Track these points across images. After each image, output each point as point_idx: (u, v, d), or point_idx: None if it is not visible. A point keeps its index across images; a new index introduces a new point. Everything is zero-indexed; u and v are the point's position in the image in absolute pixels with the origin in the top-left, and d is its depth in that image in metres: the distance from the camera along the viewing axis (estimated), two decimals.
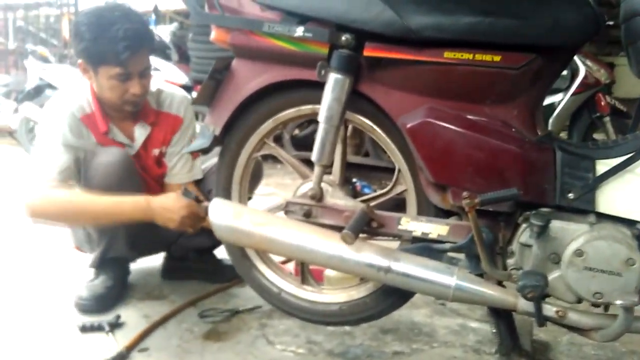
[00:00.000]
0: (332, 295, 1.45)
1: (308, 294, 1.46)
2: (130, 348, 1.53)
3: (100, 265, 1.83)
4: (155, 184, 1.88)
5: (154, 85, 1.82)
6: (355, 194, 1.48)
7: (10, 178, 4.08)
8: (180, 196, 1.60)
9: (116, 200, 1.61)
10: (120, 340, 1.57)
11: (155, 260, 2.14)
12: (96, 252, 1.81)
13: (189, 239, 1.95)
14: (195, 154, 1.83)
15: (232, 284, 1.97)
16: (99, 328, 1.64)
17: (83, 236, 1.85)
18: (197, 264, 2.04)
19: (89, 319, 1.68)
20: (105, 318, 1.67)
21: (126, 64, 1.63)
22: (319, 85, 1.27)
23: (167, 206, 1.60)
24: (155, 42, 1.71)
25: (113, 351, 1.49)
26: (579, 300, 1.16)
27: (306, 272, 1.49)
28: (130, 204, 1.62)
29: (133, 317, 1.74)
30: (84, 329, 1.63)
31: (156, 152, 1.86)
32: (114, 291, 1.83)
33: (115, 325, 1.66)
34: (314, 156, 1.31)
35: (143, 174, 1.83)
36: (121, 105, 1.72)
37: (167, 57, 5.07)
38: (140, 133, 1.82)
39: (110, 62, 1.62)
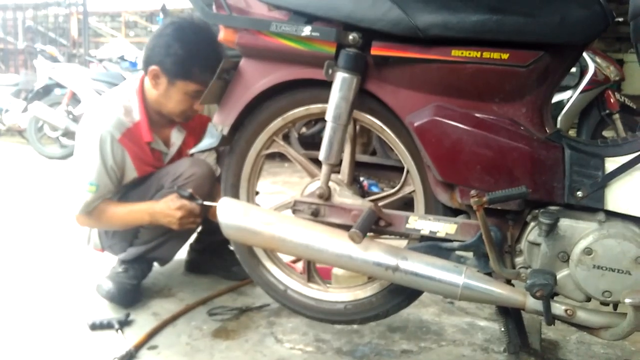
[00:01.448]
0: (338, 294, 1.46)
1: (314, 292, 1.47)
2: (139, 346, 1.54)
3: (132, 260, 1.86)
4: None
5: None
6: (362, 192, 1.49)
7: (20, 176, 4.11)
8: (175, 198, 1.71)
9: (130, 210, 1.76)
10: (129, 338, 1.59)
11: None
12: (140, 248, 1.83)
13: (207, 232, 2.04)
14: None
15: (243, 283, 1.98)
16: (108, 326, 1.65)
17: (119, 234, 1.87)
18: (215, 259, 2.09)
19: (99, 317, 1.69)
20: (115, 316, 1.69)
21: (205, 85, 1.68)
22: (328, 85, 1.27)
23: (166, 211, 1.71)
24: None
25: (122, 349, 1.50)
26: (588, 299, 1.16)
27: (312, 270, 1.49)
28: (139, 213, 1.75)
29: (142, 315, 1.76)
30: (94, 326, 1.65)
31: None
32: (138, 288, 1.86)
33: (125, 323, 1.67)
34: (321, 155, 1.31)
35: None
36: (178, 116, 1.78)
37: None
38: (176, 137, 1.87)
39: (193, 79, 1.67)
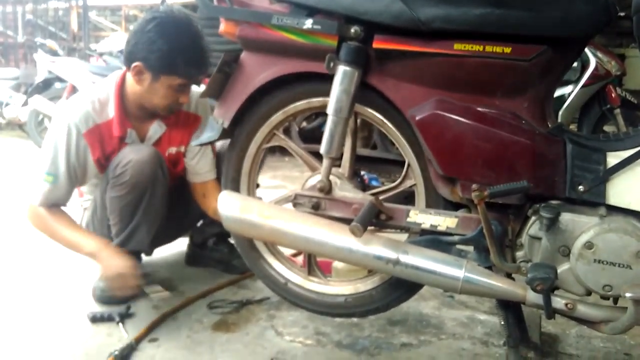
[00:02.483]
0: (338, 287, 1.46)
1: (314, 285, 1.47)
2: (140, 338, 1.54)
3: None
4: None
5: None
6: (363, 186, 1.49)
7: (20, 170, 4.11)
8: (127, 261, 1.67)
9: (79, 236, 1.73)
10: (130, 331, 1.59)
11: (164, 253, 2.16)
12: (114, 243, 1.80)
13: (207, 225, 2.05)
14: (214, 151, 1.91)
15: (243, 276, 1.98)
16: (109, 318, 1.65)
17: (98, 231, 1.85)
18: (214, 253, 2.09)
19: (99, 310, 1.70)
20: (116, 309, 1.69)
21: (191, 78, 1.69)
22: (329, 78, 1.27)
23: (113, 260, 1.67)
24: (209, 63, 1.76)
25: (123, 341, 1.51)
26: (588, 293, 1.16)
27: (313, 264, 1.49)
28: (85, 244, 1.71)
29: (143, 308, 1.76)
30: (94, 319, 1.65)
31: (173, 150, 1.88)
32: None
33: (126, 316, 1.68)
34: (322, 148, 1.31)
35: None
36: (162, 110, 1.76)
37: None
38: (154, 131, 1.83)
39: (178, 74, 1.66)
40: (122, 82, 1.77)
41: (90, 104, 1.73)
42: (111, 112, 1.75)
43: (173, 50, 1.64)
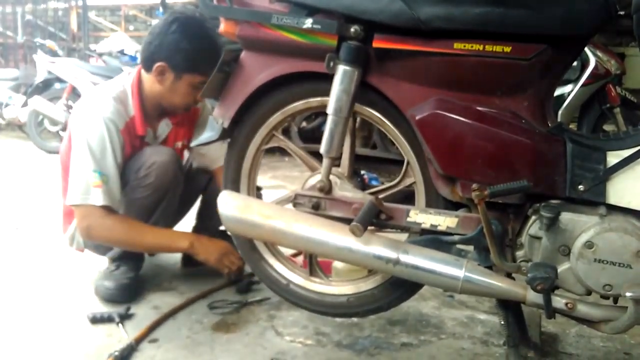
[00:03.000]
0: (340, 287, 1.46)
1: (316, 285, 1.47)
2: (140, 339, 1.54)
3: (121, 257, 1.86)
4: None
5: None
6: (363, 186, 1.48)
7: (20, 171, 4.11)
8: (222, 242, 1.77)
9: (167, 236, 1.79)
10: (130, 331, 1.59)
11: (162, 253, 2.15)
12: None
13: (201, 230, 2.04)
14: None
15: (242, 277, 1.98)
16: (109, 319, 1.65)
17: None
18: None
19: (99, 310, 1.70)
20: (116, 309, 1.69)
21: (209, 76, 1.69)
22: (328, 78, 1.27)
23: (210, 246, 1.76)
24: None
25: (123, 342, 1.50)
26: (589, 292, 1.16)
27: (314, 264, 1.49)
28: (177, 241, 1.76)
29: (143, 308, 1.76)
30: (95, 320, 1.65)
31: (179, 145, 1.95)
32: (136, 281, 1.86)
33: (125, 317, 1.67)
34: (322, 148, 1.31)
35: None
36: (180, 108, 1.82)
37: None
38: (162, 130, 1.90)
39: (200, 71, 1.71)
40: (138, 81, 1.81)
41: (115, 100, 1.74)
42: (131, 110, 1.78)
43: (197, 50, 1.71)
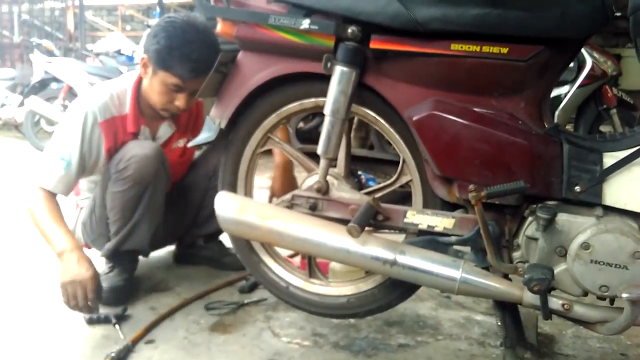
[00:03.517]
0: (340, 288, 1.45)
1: (316, 287, 1.47)
2: (136, 340, 1.54)
3: (114, 257, 1.85)
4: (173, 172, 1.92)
5: None
6: (360, 187, 1.48)
7: (16, 171, 4.10)
8: (89, 267, 1.58)
9: (53, 231, 1.63)
10: (126, 332, 1.58)
11: (161, 253, 2.15)
12: (113, 241, 1.81)
13: (198, 227, 2.06)
14: None
15: (240, 277, 1.98)
16: (105, 320, 1.65)
17: (96, 230, 1.85)
18: (204, 251, 2.10)
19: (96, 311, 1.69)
20: (112, 310, 1.69)
21: (184, 81, 1.69)
22: (321, 78, 1.27)
23: (71, 269, 1.57)
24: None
25: (120, 343, 1.50)
26: (585, 293, 1.16)
27: (314, 266, 1.49)
28: (55, 241, 1.63)
29: (139, 309, 1.76)
30: (91, 321, 1.65)
31: (181, 143, 1.94)
32: (130, 283, 1.86)
33: (122, 318, 1.67)
34: (319, 149, 1.31)
35: None
36: (160, 109, 1.78)
37: None
38: (164, 132, 1.88)
39: (172, 72, 1.67)
40: (140, 79, 1.81)
41: (109, 96, 1.76)
42: (124, 107, 1.78)
43: (172, 49, 1.65)
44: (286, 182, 1.74)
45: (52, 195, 1.69)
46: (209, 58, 1.62)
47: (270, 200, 1.83)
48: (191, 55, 1.65)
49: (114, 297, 1.76)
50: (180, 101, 1.72)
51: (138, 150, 1.71)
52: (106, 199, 1.76)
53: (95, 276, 1.58)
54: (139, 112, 1.81)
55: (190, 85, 1.69)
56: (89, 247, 1.92)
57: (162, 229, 1.88)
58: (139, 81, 1.80)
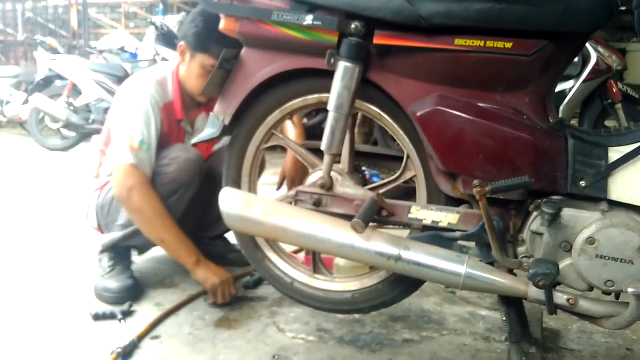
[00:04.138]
0: (345, 283, 1.45)
1: (321, 283, 1.47)
2: (142, 336, 1.55)
3: (111, 252, 1.86)
4: None
5: None
6: (364, 183, 1.48)
7: (21, 169, 4.11)
8: (224, 273, 1.76)
9: (182, 242, 1.76)
10: (132, 329, 1.59)
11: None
12: (121, 234, 1.83)
13: (204, 230, 2.07)
14: None
15: (245, 273, 1.98)
16: (111, 316, 1.66)
17: (113, 215, 1.88)
18: (210, 247, 2.10)
19: (102, 307, 1.70)
20: (118, 307, 1.69)
21: None
22: (325, 74, 1.27)
23: (213, 274, 1.74)
24: None
25: (125, 339, 1.51)
26: (590, 289, 1.16)
27: (318, 262, 1.49)
28: (186, 253, 1.75)
29: (145, 305, 1.76)
30: (97, 317, 1.66)
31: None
32: (137, 280, 1.86)
33: (128, 314, 1.68)
34: (323, 145, 1.31)
35: None
36: (198, 95, 1.83)
37: (174, 47, 5.07)
38: (200, 124, 1.93)
39: (211, 52, 1.73)
40: (178, 68, 1.86)
41: (156, 82, 1.82)
42: (170, 94, 1.84)
43: (210, 29, 1.68)
44: (299, 164, 1.79)
45: (149, 184, 1.73)
46: None
47: (280, 184, 1.89)
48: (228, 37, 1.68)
49: (128, 296, 1.77)
50: None
51: (183, 153, 1.79)
52: None
53: (229, 273, 1.78)
54: (183, 100, 1.87)
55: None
56: (102, 232, 1.93)
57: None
58: (178, 69, 1.86)
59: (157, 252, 2.08)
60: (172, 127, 1.86)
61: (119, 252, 1.87)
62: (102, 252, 1.89)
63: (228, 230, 1.94)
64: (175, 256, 1.78)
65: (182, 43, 1.80)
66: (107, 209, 1.89)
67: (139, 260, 2.08)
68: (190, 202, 1.93)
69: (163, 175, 1.76)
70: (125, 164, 1.71)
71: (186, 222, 1.99)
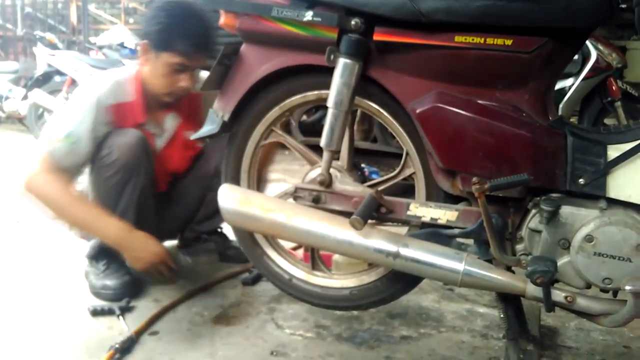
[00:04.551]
0: (343, 280, 1.46)
1: (319, 279, 1.47)
2: (140, 332, 1.55)
3: (102, 253, 1.83)
4: (167, 173, 1.89)
5: None
6: (363, 179, 1.48)
7: (20, 164, 4.11)
8: (160, 244, 1.63)
9: (98, 215, 1.62)
10: (130, 324, 1.59)
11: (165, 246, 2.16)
12: (96, 241, 1.80)
13: (199, 224, 2.04)
14: None
15: (243, 269, 1.98)
16: (109, 312, 1.66)
17: None
18: (208, 243, 2.10)
19: (100, 303, 1.70)
20: (116, 302, 1.69)
21: (188, 58, 1.67)
22: (324, 71, 1.27)
23: (146, 245, 1.62)
24: (215, 49, 1.71)
25: (124, 335, 1.51)
26: (588, 286, 1.16)
27: (316, 258, 1.49)
28: (106, 227, 1.62)
29: (143, 301, 1.76)
30: (95, 312, 1.66)
31: (188, 134, 1.84)
32: (134, 275, 1.84)
33: (126, 309, 1.68)
34: (322, 142, 1.30)
35: (163, 162, 1.85)
36: (164, 95, 1.75)
37: None
38: (170, 124, 1.85)
39: (175, 50, 1.65)
40: (140, 68, 1.78)
41: (114, 82, 1.73)
42: (129, 95, 1.74)
43: (172, 25, 1.64)
44: None
45: (59, 171, 1.61)
46: (209, 33, 1.67)
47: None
48: (193, 30, 1.64)
49: (127, 292, 1.76)
50: (184, 81, 1.70)
51: (120, 137, 1.68)
52: (91, 188, 1.73)
53: (164, 246, 1.63)
54: (145, 102, 1.77)
55: (195, 62, 1.68)
56: (86, 239, 1.89)
57: (158, 224, 1.86)
58: (140, 71, 1.78)
59: None
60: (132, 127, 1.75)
61: (110, 251, 1.82)
62: (91, 257, 1.85)
63: (221, 221, 1.92)
64: (94, 234, 1.67)
65: (143, 41, 1.70)
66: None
67: None
68: (178, 196, 1.91)
69: (108, 165, 1.65)
70: (38, 155, 1.61)
71: (176, 218, 2.00)
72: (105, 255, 1.83)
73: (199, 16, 1.67)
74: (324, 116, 1.32)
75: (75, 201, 1.63)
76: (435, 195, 1.31)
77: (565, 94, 3.72)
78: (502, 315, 1.32)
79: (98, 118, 1.67)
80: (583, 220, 1.12)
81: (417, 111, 1.21)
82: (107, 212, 1.64)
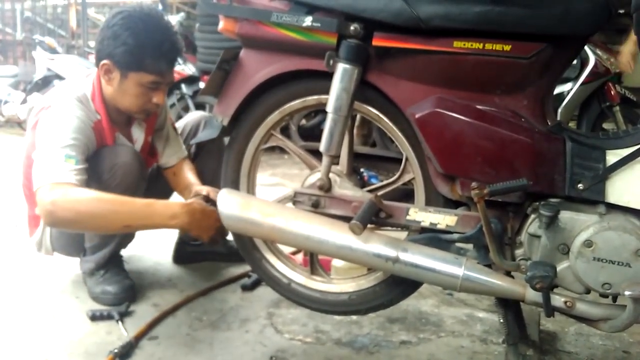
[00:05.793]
0: (342, 284, 1.46)
1: (318, 284, 1.47)
2: (139, 336, 1.54)
3: (102, 265, 1.81)
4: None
5: None
6: (362, 184, 1.49)
7: (19, 168, 4.10)
8: (210, 210, 1.51)
9: (148, 204, 1.48)
10: (129, 329, 1.59)
11: (164, 250, 2.16)
12: (108, 248, 1.79)
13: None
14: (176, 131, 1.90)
15: (242, 274, 1.98)
16: (108, 316, 1.65)
17: (73, 236, 1.79)
18: (207, 247, 2.06)
19: (99, 308, 1.70)
20: (115, 307, 1.69)
21: (161, 75, 1.61)
22: (324, 76, 1.27)
23: (204, 213, 1.50)
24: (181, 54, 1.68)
25: (123, 339, 1.51)
26: (588, 291, 1.16)
27: (315, 263, 1.49)
28: (166, 210, 1.49)
29: (142, 306, 1.76)
30: (94, 317, 1.65)
31: (149, 139, 1.86)
32: (132, 280, 1.84)
33: (125, 314, 1.68)
34: (322, 146, 1.31)
35: None
36: (136, 112, 1.68)
37: None
38: (138, 134, 1.80)
39: (147, 69, 1.58)
40: (99, 84, 1.67)
41: (78, 102, 1.62)
42: (95, 114, 1.66)
43: (139, 46, 1.55)
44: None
45: (76, 187, 1.47)
46: (176, 43, 1.63)
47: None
48: (162, 47, 1.57)
49: (127, 296, 1.76)
50: (158, 97, 1.64)
51: (116, 158, 1.64)
52: None
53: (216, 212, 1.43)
54: (111, 119, 1.69)
55: (168, 77, 1.64)
56: (51, 254, 1.85)
57: None
58: (99, 85, 1.67)
59: (156, 251, 2.08)
60: (105, 145, 1.68)
61: (104, 262, 1.82)
62: (90, 272, 1.82)
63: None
64: (151, 227, 1.52)
65: (105, 61, 1.58)
66: (65, 233, 1.74)
67: (135, 261, 2.08)
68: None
69: (112, 189, 1.55)
70: (43, 185, 1.46)
71: None
72: (103, 265, 1.82)
73: (163, 28, 1.60)
74: (323, 120, 1.32)
75: (118, 200, 1.47)
76: (435, 200, 1.31)
77: (564, 98, 3.73)
78: (501, 320, 1.32)
79: (87, 138, 1.60)
80: (582, 225, 1.12)
81: (416, 116, 1.21)
82: (140, 199, 1.51)
